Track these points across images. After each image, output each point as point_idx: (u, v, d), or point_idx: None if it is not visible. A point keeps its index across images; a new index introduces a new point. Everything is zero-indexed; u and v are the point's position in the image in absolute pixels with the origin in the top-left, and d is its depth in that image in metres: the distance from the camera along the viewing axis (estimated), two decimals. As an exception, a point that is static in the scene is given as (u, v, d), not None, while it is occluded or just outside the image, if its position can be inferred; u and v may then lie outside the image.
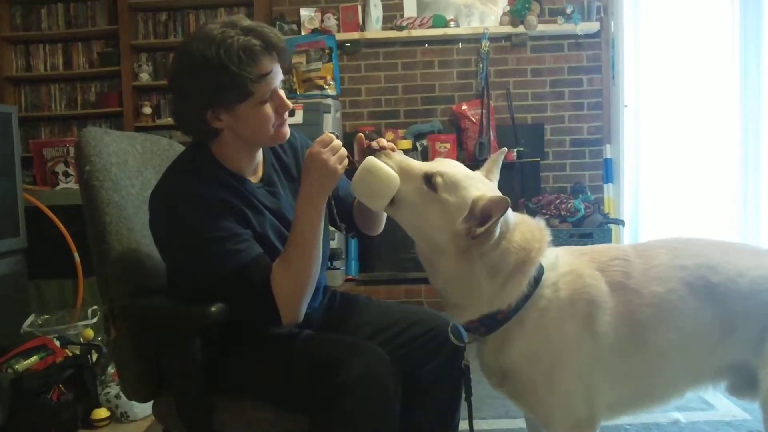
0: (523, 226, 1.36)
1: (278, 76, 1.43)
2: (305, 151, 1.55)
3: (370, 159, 1.33)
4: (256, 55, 1.37)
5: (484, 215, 1.27)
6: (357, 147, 1.42)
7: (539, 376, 1.34)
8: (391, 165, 1.34)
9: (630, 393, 1.41)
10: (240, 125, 1.43)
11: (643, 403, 1.45)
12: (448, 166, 1.36)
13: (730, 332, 1.36)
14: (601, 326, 1.33)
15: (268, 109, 1.42)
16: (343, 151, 1.37)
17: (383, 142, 1.40)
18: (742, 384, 1.42)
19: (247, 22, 1.41)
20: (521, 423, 2.34)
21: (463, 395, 1.49)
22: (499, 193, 1.33)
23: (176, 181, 1.44)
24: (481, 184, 1.35)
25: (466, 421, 1.53)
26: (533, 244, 1.34)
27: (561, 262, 1.38)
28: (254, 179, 1.53)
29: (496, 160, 1.46)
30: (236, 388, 1.46)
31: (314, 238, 1.38)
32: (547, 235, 1.38)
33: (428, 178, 1.32)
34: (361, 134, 1.43)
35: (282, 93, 1.45)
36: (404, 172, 1.34)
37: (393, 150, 1.39)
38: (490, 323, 1.35)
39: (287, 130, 1.49)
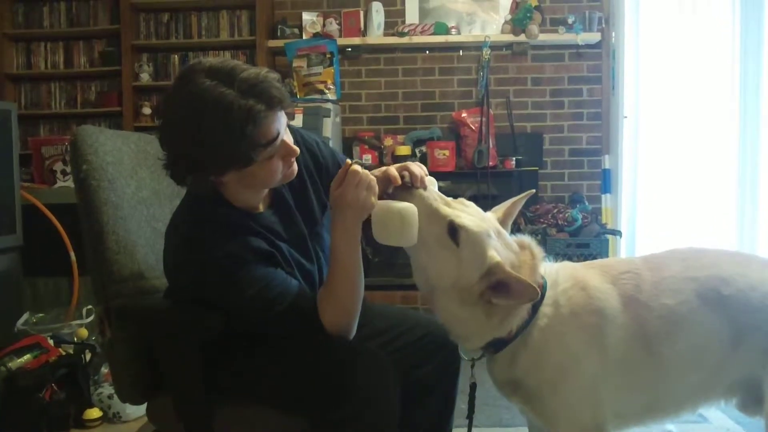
0: (522, 267, 1.34)
1: (283, 126, 1.32)
2: (307, 148, 1.52)
3: (406, 211, 1.28)
4: (259, 123, 1.24)
5: (500, 284, 1.28)
6: (382, 180, 1.34)
7: (545, 386, 1.35)
8: (416, 208, 1.30)
9: (639, 404, 1.41)
10: (245, 179, 1.34)
11: (654, 414, 1.44)
12: (473, 220, 1.33)
13: (739, 345, 1.35)
14: (610, 339, 1.33)
15: (276, 161, 1.33)
16: (372, 179, 1.31)
17: (417, 175, 1.33)
18: (752, 400, 1.41)
19: (244, 74, 1.25)
20: (514, 431, 2.35)
21: (456, 406, 1.48)
22: (514, 247, 1.35)
23: (199, 239, 1.35)
24: (498, 243, 1.33)
25: (461, 428, 1.53)
26: (535, 278, 1.34)
27: (561, 277, 1.39)
28: (263, 206, 1.47)
29: (518, 202, 1.46)
30: (238, 390, 1.44)
31: (356, 266, 1.37)
32: (539, 262, 1.38)
33: (452, 230, 1.31)
34: (391, 175, 1.34)
35: (288, 138, 1.35)
36: (430, 215, 1.32)
37: (423, 184, 1.34)
38: (497, 344, 1.37)
39: (295, 169, 1.41)
